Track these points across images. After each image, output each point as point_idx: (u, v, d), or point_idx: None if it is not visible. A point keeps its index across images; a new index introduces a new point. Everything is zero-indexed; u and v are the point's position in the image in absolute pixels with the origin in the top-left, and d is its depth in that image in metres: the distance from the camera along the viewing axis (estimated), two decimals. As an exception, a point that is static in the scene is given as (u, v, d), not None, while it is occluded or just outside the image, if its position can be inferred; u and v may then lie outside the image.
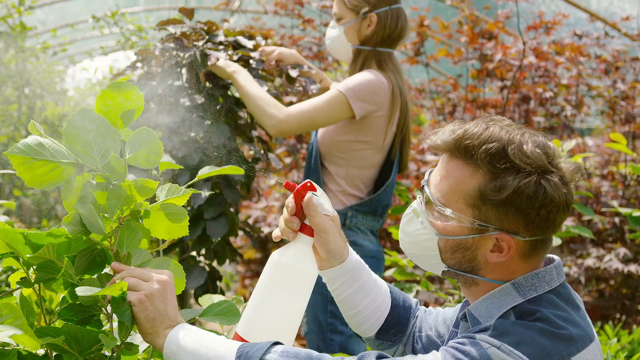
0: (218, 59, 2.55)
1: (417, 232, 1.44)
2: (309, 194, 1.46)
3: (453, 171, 1.38)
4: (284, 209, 1.50)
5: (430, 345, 1.59)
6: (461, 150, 1.36)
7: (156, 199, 1.44)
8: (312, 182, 1.48)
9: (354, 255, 1.58)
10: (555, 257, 1.43)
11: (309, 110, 2.60)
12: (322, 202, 1.48)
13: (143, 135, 1.41)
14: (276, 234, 1.51)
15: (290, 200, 1.48)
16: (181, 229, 1.48)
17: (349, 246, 1.57)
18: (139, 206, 1.40)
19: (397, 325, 1.64)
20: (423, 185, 1.44)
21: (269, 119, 2.55)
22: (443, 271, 1.45)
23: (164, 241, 1.73)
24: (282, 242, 1.54)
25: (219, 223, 2.59)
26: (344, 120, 2.69)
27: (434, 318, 1.64)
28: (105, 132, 1.36)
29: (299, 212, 1.48)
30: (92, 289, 1.29)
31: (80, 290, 1.27)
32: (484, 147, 1.33)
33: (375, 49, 2.75)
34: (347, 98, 2.61)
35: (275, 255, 1.47)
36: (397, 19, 2.74)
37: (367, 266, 1.62)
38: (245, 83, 2.56)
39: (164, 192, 1.44)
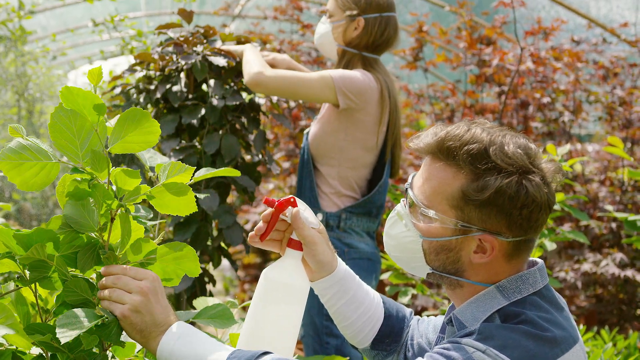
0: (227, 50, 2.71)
1: (401, 234, 1.45)
2: (295, 209, 1.49)
3: (436, 173, 1.39)
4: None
5: (421, 353, 1.60)
6: (443, 151, 1.37)
7: (158, 180, 1.40)
8: (296, 198, 1.51)
9: (343, 266, 1.59)
10: (539, 260, 1.43)
11: (292, 77, 2.63)
12: (307, 215, 1.51)
13: (132, 116, 1.32)
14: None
15: (268, 211, 1.50)
16: (189, 204, 1.42)
17: (337, 257, 1.59)
18: (127, 198, 1.37)
19: (391, 336, 1.64)
20: (406, 188, 1.45)
21: (252, 68, 2.60)
22: (428, 273, 1.46)
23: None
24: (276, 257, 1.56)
25: (234, 231, 2.65)
26: (332, 114, 2.72)
27: (425, 326, 1.65)
28: (81, 125, 1.31)
29: (274, 221, 1.50)
30: (70, 332, 1.24)
31: (59, 333, 1.24)
32: (465, 148, 1.34)
33: (360, 53, 2.77)
34: (334, 83, 2.64)
35: (266, 271, 1.50)
36: (384, 28, 2.75)
37: (357, 277, 1.63)
38: (250, 53, 2.68)
39: (165, 173, 1.39)
